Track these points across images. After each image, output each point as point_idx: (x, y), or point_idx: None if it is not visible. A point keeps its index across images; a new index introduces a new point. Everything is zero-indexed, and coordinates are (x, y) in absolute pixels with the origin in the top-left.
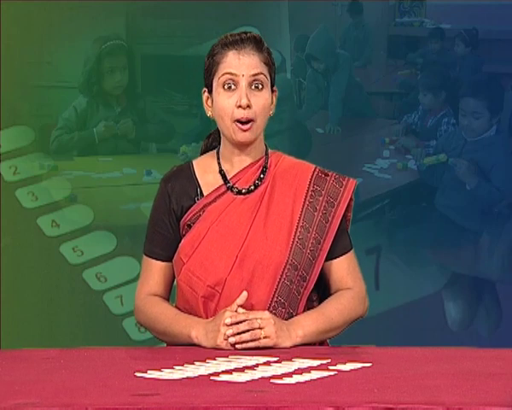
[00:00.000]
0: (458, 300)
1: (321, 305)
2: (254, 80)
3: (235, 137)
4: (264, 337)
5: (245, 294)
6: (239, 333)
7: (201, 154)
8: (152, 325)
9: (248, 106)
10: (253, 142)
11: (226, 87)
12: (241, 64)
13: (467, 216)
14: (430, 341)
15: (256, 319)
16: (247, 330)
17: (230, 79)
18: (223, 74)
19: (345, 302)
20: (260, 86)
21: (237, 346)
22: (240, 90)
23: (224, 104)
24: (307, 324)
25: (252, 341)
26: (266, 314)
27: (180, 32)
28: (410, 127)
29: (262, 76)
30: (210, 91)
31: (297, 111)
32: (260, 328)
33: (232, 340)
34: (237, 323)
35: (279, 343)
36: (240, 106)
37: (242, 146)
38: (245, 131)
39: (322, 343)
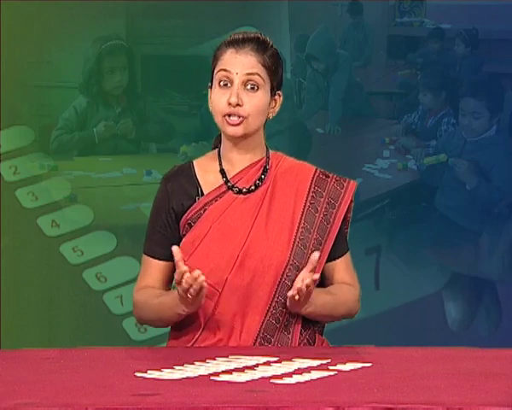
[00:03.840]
0: (458, 300)
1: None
2: (249, 80)
3: (224, 131)
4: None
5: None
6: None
7: None
8: (147, 313)
9: (238, 104)
10: (246, 138)
11: (222, 84)
12: (236, 62)
13: (467, 216)
14: (430, 341)
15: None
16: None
17: (225, 77)
18: (218, 71)
19: (345, 290)
20: (256, 87)
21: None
22: (233, 88)
23: (216, 100)
24: (315, 295)
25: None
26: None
27: (180, 32)
28: (410, 127)
29: (257, 77)
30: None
31: (297, 111)
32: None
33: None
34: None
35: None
36: (230, 103)
37: (238, 143)
38: (233, 125)
39: (322, 343)
